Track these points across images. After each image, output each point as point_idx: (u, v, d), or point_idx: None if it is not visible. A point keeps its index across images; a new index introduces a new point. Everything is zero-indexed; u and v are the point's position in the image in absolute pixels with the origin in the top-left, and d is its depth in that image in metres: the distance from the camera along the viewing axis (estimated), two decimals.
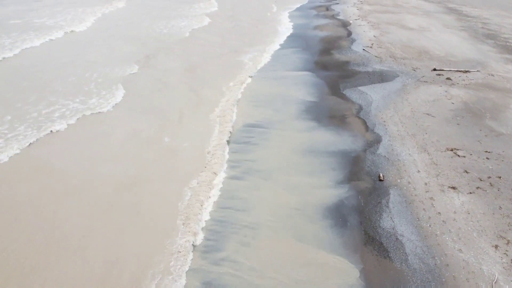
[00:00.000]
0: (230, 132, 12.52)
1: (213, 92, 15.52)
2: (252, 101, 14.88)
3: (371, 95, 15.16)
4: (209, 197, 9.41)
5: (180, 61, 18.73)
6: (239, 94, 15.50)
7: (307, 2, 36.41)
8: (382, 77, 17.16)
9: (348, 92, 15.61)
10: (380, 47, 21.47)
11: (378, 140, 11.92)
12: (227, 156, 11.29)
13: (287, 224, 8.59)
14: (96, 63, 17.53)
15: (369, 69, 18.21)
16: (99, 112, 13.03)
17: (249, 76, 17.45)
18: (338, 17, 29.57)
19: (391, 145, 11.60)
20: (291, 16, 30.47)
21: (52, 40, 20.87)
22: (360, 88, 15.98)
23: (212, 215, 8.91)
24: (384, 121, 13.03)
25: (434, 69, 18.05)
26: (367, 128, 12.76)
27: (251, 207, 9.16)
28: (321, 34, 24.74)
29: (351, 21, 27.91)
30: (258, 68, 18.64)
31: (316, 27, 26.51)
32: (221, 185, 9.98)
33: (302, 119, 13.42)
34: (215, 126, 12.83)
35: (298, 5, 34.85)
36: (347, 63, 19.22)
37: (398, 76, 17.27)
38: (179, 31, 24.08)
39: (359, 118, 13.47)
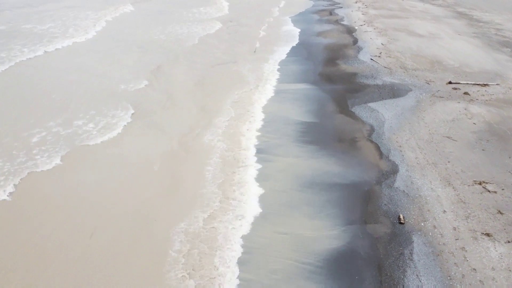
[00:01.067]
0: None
1: (217, 111, 14.09)
2: (250, 122, 13.47)
3: (383, 114, 13.77)
4: None
5: (188, 73, 17.33)
6: (246, 114, 14.08)
7: (310, 6, 35.05)
8: (393, 92, 15.77)
9: (357, 110, 14.22)
10: (389, 57, 20.09)
11: (394, 170, 10.52)
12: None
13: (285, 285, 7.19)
14: (103, 77, 16.19)
15: (379, 82, 16.83)
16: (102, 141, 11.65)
17: (250, 90, 16.06)
18: (342, 23, 28.21)
19: (410, 176, 10.21)
20: (294, 21, 29.09)
21: (57, 49, 19.70)
22: (370, 104, 14.59)
23: None
24: (400, 146, 11.63)
25: (450, 82, 16.67)
26: (380, 154, 11.36)
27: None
28: (325, 41, 23.37)
29: (356, 27, 26.55)
30: (259, 81, 17.23)
31: (319, 34, 25.15)
32: None
33: (304, 143, 12.03)
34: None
35: (302, 10, 33.47)
36: (354, 75, 17.84)
37: (411, 90, 15.88)
38: (187, 38, 22.75)
39: (371, 141, 12.07)
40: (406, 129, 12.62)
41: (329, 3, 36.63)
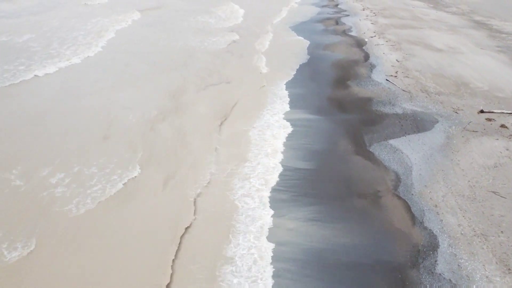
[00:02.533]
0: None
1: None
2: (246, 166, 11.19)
3: (409, 155, 11.49)
4: None
5: (207, 105, 14.83)
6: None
7: (315, 14, 32.83)
8: (417, 124, 13.50)
9: (376, 150, 11.93)
10: (406, 76, 17.84)
11: (433, 245, 8.23)
12: None
13: None
14: (102, 115, 13.84)
15: (399, 111, 14.57)
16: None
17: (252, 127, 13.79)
18: (350, 34, 25.98)
19: (455, 255, 7.91)
20: (296, 30, 26.86)
21: (57, 70, 17.45)
22: (392, 142, 12.31)
23: None
24: (436, 206, 9.34)
25: (482, 111, 14.40)
26: (412, 218, 9.08)
27: None
28: (333, 56, 21.13)
29: (366, 39, 24.32)
30: (264, 109, 14.97)
31: (326, 47, 22.90)
32: None
33: (308, 200, 9.75)
34: None
35: (306, 19, 31.24)
36: (369, 100, 15.57)
37: (437, 121, 13.61)
38: (201, 53, 20.66)
39: (398, 197, 9.79)
40: (440, 179, 10.33)
41: (335, 10, 34.46)
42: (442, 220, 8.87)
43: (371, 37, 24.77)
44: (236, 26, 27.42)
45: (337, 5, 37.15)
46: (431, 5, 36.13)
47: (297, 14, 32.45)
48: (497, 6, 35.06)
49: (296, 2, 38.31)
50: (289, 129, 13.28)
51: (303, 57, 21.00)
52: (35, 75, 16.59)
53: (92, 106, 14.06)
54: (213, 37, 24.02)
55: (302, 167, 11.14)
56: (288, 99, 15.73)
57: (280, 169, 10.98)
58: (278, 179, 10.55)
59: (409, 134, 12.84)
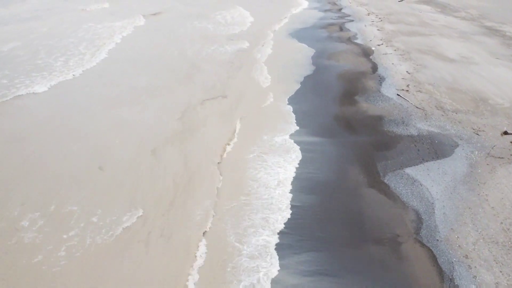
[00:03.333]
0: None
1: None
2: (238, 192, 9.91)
3: (429, 188, 10.20)
4: None
5: (209, 127, 13.54)
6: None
7: (318, 19, 31.54)
8: (435, 148, 12.22)
9: (392, 181, 10.64)
10: (419, 91, 16.55)
11: None
12: None
13: None
14: (95, 140, 12.58)
15: (413, 131, 13.28)
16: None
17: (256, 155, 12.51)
18: (356, 41, 24.69)
19: None
20: (298, 37, 25.59)
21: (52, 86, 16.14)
22: (409, 171, 11.02)
23: None
24: (467, 256, 8.04)
25: (505, 133, 13.12)
26: (440, 273, 7.78)
27: None
28: (338, 67, 19.84)
29: (373, 47, 23.04)
30: (263, 131, 13.68)
31: (330, 56, 21.62)
32: None
33: (315, 249, 8.45)
34: None
35: (308, 25, 29.96)
36: (379, 119, 14.28)
37: (457, 145, 12.33)
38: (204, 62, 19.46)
39: (421, 244, 8.49)
40: (467, 220, 9.03)
41: (339, 15, 33.19)
42: (476, 276, 7.57)
43: (378, 45, 23.49)
44: (241, 33, 26.15)
45: (340, 9, 35.91)
46: (439, 10, 34.88)
47: (300, 19, 31.16)
48: (508, 10, 33.80)
49: (299, 6, 37.08)
50: (294, 154, 12.00)
51: (307, 68, 19.70)
52: (27, 92, 15.41)
53: (84, 128, 12.79)
54: (216, 45, 22.77)
55: (309, 203, 9.85)
56: (293, 117, 14.49)
57: (284, 204, 9.68)
58: (282, 218, 9.26)
59: (427, 161, 11.55)
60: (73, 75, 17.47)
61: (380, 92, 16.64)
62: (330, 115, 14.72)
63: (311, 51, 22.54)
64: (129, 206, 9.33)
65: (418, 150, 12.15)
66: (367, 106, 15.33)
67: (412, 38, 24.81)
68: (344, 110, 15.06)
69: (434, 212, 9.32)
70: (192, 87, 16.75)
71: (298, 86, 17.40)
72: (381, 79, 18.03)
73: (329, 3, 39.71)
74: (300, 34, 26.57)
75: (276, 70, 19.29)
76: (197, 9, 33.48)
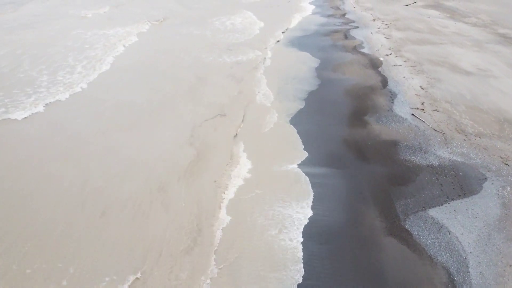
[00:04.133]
0: None
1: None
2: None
3: (459, 237, 8.75)
4: None
5: (225, 156, 12.29)
6: None
7: (320, 24, 30.11)
8: (460, 182, 10.77)
9: (415, 227, 9.18)
10: (436, 110, 15.11)
11: None
12: None
13: None
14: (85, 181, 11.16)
15: (434, 161, 11.83)
16: None
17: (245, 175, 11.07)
18: (362, 51, 23.26)
19: None
20: (301, 45, 24.18)
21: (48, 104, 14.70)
22: (433, 213, 9.56)
23: None
24: None
25: None
26: None
27: None
28: (345, 81, 18.39)
29: (381, 58, 21.61)
30: (265, 162, 12.24)
31: (336, 68, 20.18)
32: None
33: None
34: None
35: (310, 32, 28.52)
36: (394, 145, 12.82)
37: (485, 179, 10.89)
38: (204, 74, 17.90)
39: None
40: (509, 283, 7.55)
41: (343, 21, 31.76)
42: None
43: (387, 55, 22.06)
44: (246, 41, 24.72)
45: (344, 14, 34.50)
46: (448, 15, 33.47)
47: (304, 25, 29.72)
48: None
49: (302, 12, 35.71)
50: (301, 188, 10.53)
51: (312, 82, 18.25)
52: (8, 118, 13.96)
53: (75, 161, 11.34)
54: (216, 54, 21.35)
55: (319, 255, 8.38)
56: (300, 141, 13.06)
57: (293, 258, 8.23)
58: (288, 277, 7.80)
59: (453, 199, 10.09)
60: (69, 94, 15.98)
61: (392, 111, 15.19)
62: (339, 139, 13.25)
63: (315, 62, 21.10)
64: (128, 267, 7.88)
65: (441, 185, 10.69)
66: (379, 129, 13.87)
67: (422, 47, 23.39)
68: (354, 133, 13.59)
69: (468, 272, 7.86)
70: (193, 105, 15.31)
71: (302, 104, 15.95)
72: (392, 96, 16.58)
73: (332, 7, 38.32)
74: (304, 42, 25.14)
75: (279, 85, 17.85)
76: (200, 13, 32.07)
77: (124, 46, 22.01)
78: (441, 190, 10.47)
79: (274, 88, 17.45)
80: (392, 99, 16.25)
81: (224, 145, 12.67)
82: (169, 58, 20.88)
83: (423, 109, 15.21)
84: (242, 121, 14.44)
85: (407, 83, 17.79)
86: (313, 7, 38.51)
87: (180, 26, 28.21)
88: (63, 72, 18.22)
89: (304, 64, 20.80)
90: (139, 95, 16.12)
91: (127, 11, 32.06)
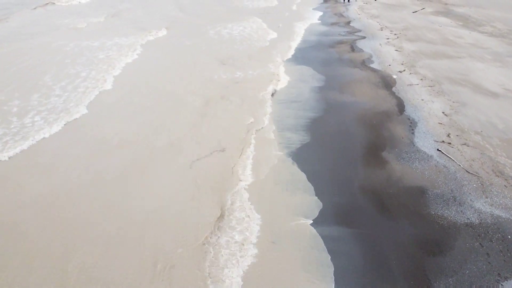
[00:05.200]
0: None
1: None
2: None
3: None
4: None
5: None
6: None
7: (322, 33, 28.04)
8: (509, 249, 8.62)
9: None
10: (465, 144, 13.00)
11: None
12: None
13: None
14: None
15: (472, 217, 9.72)
16: None
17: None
18: (372, 66, 21.20)
19: None
20: (304, 59, 22.14)
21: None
22: None
23: None
24: None
25: None
26: None
27: None
28: (355, 105, 16.29)
29: (394, 75, 19.54)
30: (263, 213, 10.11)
31: (343, 88, 18.09)
32: None
33: None
34: None
35: (312, 42, 26.45)
36: (421, 193, 10.69)
37: None
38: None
39: None
40: None
41: (347, 30, 29.72)
42: None
43: (400, 71, 19.98)
44: (243, 56, 22.63)
45: (349, 22, 32.48)
46: (460, 23, 31.48)
47: (307, 35, 27.61)
48: None
49: (304, 21, 33.72)
50: (319, 258, 8.39)
51: (316, 107, 16.14)
52: None
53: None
54: (208, 72, 19.25)
55: None
56: (309, 188, 10.91)
57: None
58: None
59: (506, 278, 7.94)
60: (48, 134, 13.58)
61: (414, 145, 13.07)
62: (354, 185, 11.11)
63: (319, 80, 19.02)
64: None
65: (487, 254, 8.56)
66: (400, 170, 11.73)
67: (438, 62, 21.33)
68: (372, 177, 11.45)
69: None
70: (195, 143, 13.16)
71: (307, 136, 13.80)
72: (412, 124, 14.47)
73: (335, 14, 36.32)
74: (306, 55, 23.11)
75: (280, 110, 15.73)
76: (204, 21, 30.02)
77: (113, 74, 19.22)
78: (488, 262, 8.35)
79: (274, 114, 15.34)
80: (412, 129, 14.14)
81: (215, 194, 10.53)
82: (172, 78, 18.75)
83: (450, 143, 13.10)
84: (240, 155, 12.32)
85: (427, 108, 15.69)
86: (315, 13, 36.54)
87: (183, 36, 26.12)
88: (37, 95, 16.06)
89: (307, 83, 18.69)
90: (130, 131, 13.98)
91: (126, 21, 29.90)
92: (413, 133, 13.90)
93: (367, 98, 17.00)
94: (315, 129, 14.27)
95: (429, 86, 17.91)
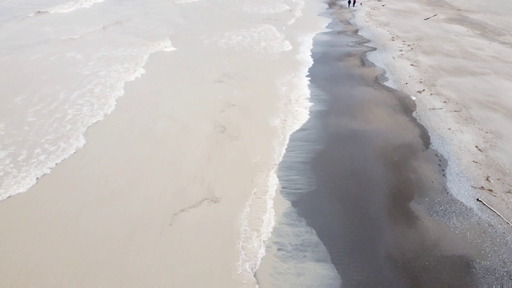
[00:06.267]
0: None
1: None
2: None
3: None
4: None
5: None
6: None
7: (328, 45, 25.85)
8: None
9: None
10: (509, 191, 10.78)
11: None
12: None
13: None
14: None
15: None
16: None
17: None
18: (386, 84, 19.02)
19: None
20: (310, 76, 19.99)
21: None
22: None
23: None
24: None
25: None
26: None
27: None
28: (370, 134, 14.10)
29: (412, 96, 17.37)
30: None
31: (355, 112, 15.91)
32: None
33: None
34: None
35: (321, 53, 24.29)
36: (466, 266, 8.47)
37: None
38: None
39: None
40: None
41: (356, 40, 27.56)
42: None
43: (419, 92, 17.80)
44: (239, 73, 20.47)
45: (356, 31, 30.32)
46: (478, 32, 29.34)
47: (313, 47, 25.45)
48: None
49: (310, 29, 31.62)
50: None
51: (325, 137, 13.95)
52: None
53: None
54: (203, 89, 17.08)
55: None
56: (315, 257, 8.66)
57: None
58: None
59: None
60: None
61: (447, 192, 10.86)
62: (379, 253, 8.88)
63: (327, 102, 16.84)
64: None
65: None
66: (436, 230, 9.51)
67: (461, 80, 19.14)
68: (401, 241, 9.22)
69: None
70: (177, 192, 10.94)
71: (316, 178, 11.56)
72: (441, 162, 12.27)
73: (342, 21, 34.19)
74: (313, 71, 20.92)
75: (279, 145, 13.54)
76: (209, 31, 27.88)
77: (114, 97, 16.33)
78: None
79: (278, 147, 13.15)
80: (443, 169, 11.92)
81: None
82: (177, 104, 16.56)
83: (491, 190, 10.89)
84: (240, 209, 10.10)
85: (457, 141, 13.49)
86: (321, 20, 34.41)
87: (189, 48, 23.99)
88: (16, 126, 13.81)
89: (314, 106, 16.49)
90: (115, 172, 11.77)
91: (127, 30, 27.71)
92: (444, 174, 11.68)
93: (384, 126, 14.80)
94: (326, 168, 12.05)
95: (455, 111, 15.71)
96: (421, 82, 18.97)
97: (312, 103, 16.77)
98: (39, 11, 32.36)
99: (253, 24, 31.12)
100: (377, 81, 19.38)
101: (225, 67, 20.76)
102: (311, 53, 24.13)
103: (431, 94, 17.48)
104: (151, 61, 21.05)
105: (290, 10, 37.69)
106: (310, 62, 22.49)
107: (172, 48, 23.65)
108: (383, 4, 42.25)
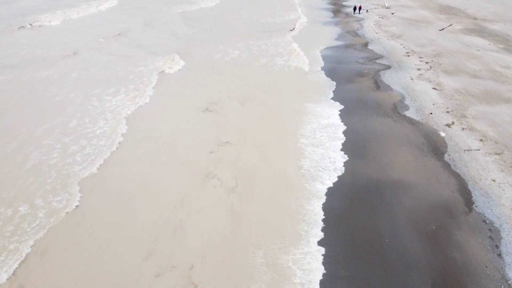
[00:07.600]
0: None
1: None
2: None
3: None
4: None
5: None
6: None
7: (336, 61, 23.22)
8: None
9: None
10: None
11: None
12: None
13: None
14: None
15: None
16: None
17: None
18: (406, 113, 16.44)
19: None
20: (316, 103, 17.43)
21: None
22: None
23: None
24: None
25: None
26: None
27: None
28: (396, 189, 11.47)
29: (441, 131, 14.77)
30: None
31: (373, 155, 13.28)
32: None
33: None
34: None
35: (325, 68, 21.71)
36: None
37: None
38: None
39: None
40: None
41: (366, 55, 24.99)
42: None
43: (448, 125, 15.20)
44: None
45: (366, 44, 27.74)
46: (501, 46, 26.79)
47: (318, 64, 22.84)
48: None
49: (315, 42, 29.15)
50: None
51: (338, 191, 11.29)
52: None
53: None
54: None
55: None
56: None
57: None
58: None
59: None
60: None
61: (509, 284, 8.19)
62: None
63: (337, 139, 14.20)
64: None
65: None
66: None
67: (495, 109, 16.55)
68: None
69: None
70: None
71: (321, 264, 8.90)
72: (493, 234, 9.63)
73: (349, 33, 31.64)
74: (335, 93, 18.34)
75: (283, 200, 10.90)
76: (217, 43, 25.31)
77: (118, 132, 13.90)
78: None
79: (280, 208, 10.51)
80: (497, 245, 9.28)
81: None
82: (187, 143, 13.99)
83: None
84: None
85: (507, 199, 10.85)
86: (327, 31, 31.88)
87: (198, 65, 21.58)
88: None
89: (324, 145, 13.86)
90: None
91: (129, 42, 25.20)
92: (499, 254, 9.04)
93: (412, 175, 12.15)
94: (344, 240, 9.38)
95: (496, 154, 13.09)
96: (448, 112, 16.36)
97: (322, 143, 14.13)
98: (31, 23, 30.01)
99: (258, 35, 28.73)
100: (396, 110, 16.76)
101: (241, 89, 18.17)
102: (316, 71, 21.55)
103: (463, 128, 14.86)
104: (161, 82, 18.42)
105: (295, 21, 35.19)
106: (325, 84, 19.88)
107: (182, 67, 21.39)
108: (393, 12, 39.76)
